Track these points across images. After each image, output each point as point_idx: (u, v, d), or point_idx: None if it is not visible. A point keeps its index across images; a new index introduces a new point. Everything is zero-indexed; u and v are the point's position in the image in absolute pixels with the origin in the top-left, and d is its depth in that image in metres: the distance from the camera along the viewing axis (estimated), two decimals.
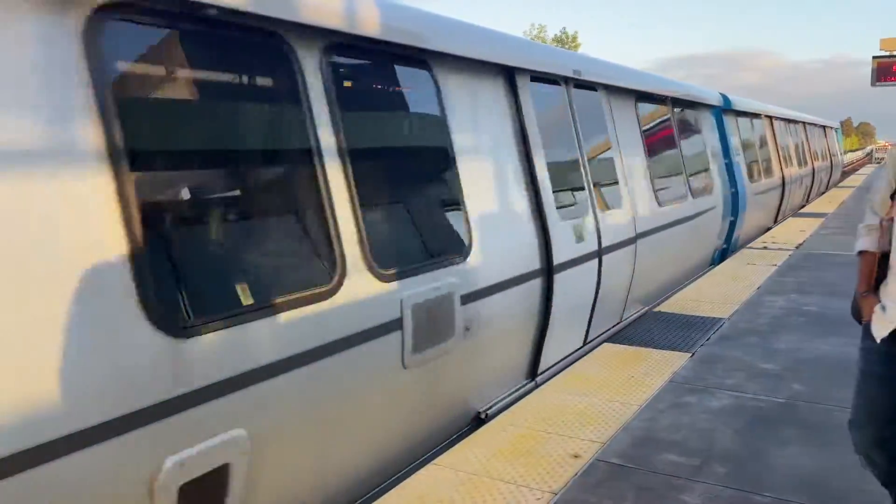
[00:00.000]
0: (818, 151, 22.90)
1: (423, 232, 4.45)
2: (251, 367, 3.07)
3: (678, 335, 6.46)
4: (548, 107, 6.13)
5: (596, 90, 6.97)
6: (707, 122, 10.59)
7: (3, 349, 2.29)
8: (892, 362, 2.74)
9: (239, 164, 3.46)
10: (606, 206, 6.70)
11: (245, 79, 3.55)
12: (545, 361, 5.76)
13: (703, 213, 9.66)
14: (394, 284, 3.92)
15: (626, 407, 4.68)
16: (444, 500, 3.47)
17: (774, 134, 15.39)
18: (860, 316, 2.94)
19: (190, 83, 3.29)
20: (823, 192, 23.46)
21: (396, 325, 3.93)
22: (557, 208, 5.75)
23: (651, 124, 8.59)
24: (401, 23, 4.28)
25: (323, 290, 3.48)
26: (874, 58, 19.73)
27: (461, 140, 4.76)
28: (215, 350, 2.92)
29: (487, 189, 4.98)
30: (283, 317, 3.24)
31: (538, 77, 5.90)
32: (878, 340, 2.73)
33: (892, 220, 2.78)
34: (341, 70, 3.88)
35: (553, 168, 5.86)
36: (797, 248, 11.44)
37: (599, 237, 6.38)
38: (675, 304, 7.71)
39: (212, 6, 3.04)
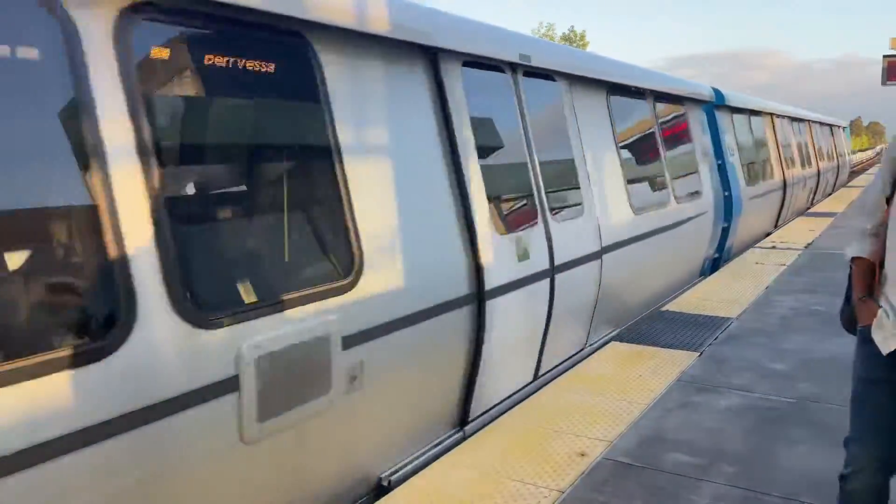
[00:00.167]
0: (824, 151, 21.68)
1: (279, 255, 3.39)
2: None
3: (686, 334, 6.33)
4: (487, 98, 5.08)
5: (554, 80, 5.91)
6: (696, 118, 9.49)
7: None
8: (893, 370, 2.55)
9: None
10: (562, 216, 5.65)
11: None
12: (478, 405, 4.72)
13: (689, 220, 8.57)
14: (223, 331, 2.87)
15: (634, 406, 4.61)
16: (453, 497, 3.43)
17: (775, 133, 14.24)
18: (850, 324, 2.82)
19: None
20: (830, 194, 22.29)
21: (227, 386, 2.88)
22: (494, 220, 4.70)
23: (627, 121, 7.52)
24: None
25: (94, 347, 2.44)
26: (884, 56, 18.68)
27: (351, 136, 3.71)
28: None
29: (390, 198, 3.93)
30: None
31: (474, 62, 4.84)
32: (886, 354, 2.54)
33: (886, 225, 2.62)
34: (148, 40, 2.82)
35: (490, 172, 4.80)
36: (806, 247, 11.08)
37: (551, 253, 5.32)
38: (682, 304, 7.50)
39: None
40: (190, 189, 3.13)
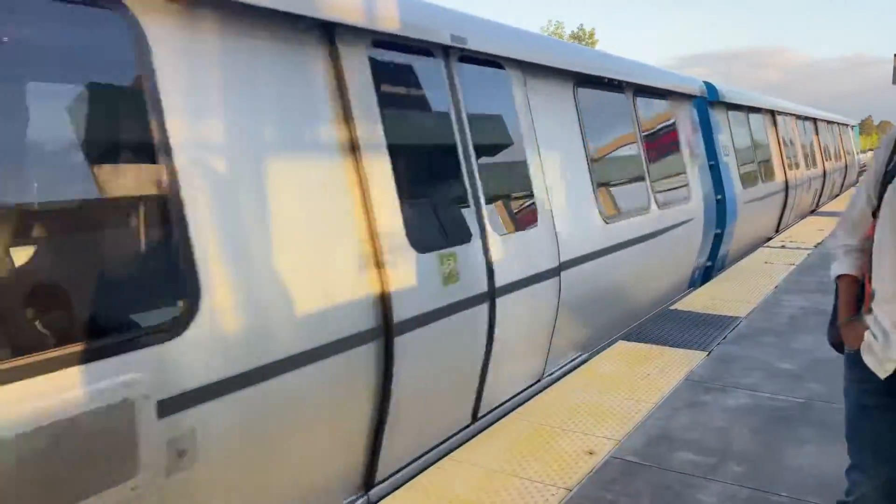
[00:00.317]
0: (831, 151, 20.59)
1: (59, 289, 2.48)
2: None
3: (694, 333, 6.24)
4: (407, 86, 4.17)
5: (503, 68, 4.99)
6: (685, 115, 8.53)
7: None
8: (893, 390, 2.34)
9: None
10: (508, 228, 4.73)
11: None
12: (388, 463, 3.82)
13: (674, 228, 7.63)
14: None
15: (642, 405, 4.57)
16: (460, 495, 3.39)
17: (777, 131, 13.23)
18: (838, 345, 2.63)
19: None
20: (837, 195, 21.20)
21: None
22: (408, 235, 3.80)
23: (599, 117, 6.59)
24: None
25: None
26: None
27: (187, 129, 2.81)
28: None
29: (249, 208, 3.03)
30: None
31: (388, 43, 3.94)
32: (883, 378, 2.34)
33: (871, 239, 2.41)
34: None
35: (407, 175, 3.90)
36: (816, 246, 10.86)
37: (491, 273, 4.41)
38: (690, 303, 7.39)
39: None
40: None
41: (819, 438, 4.00)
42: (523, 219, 4.95)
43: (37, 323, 2.38)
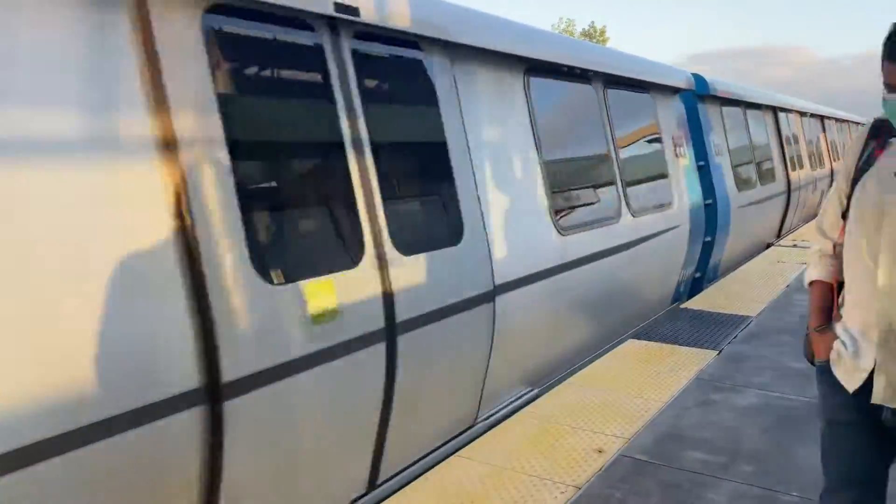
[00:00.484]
0: (840, 150, 19.45)
1: None
2: None
3: (705, 332, 6.15)
4: (271, 65, 3.22)
5: (420, 48, 4.02)
6: (668, 110, 7.51)
7: None
8: (862, 412, 2.11)
9: None
10: (416, 247, 3.77)
11: None
12: None
13: (652, 237, 6.63)
14: None
15: (651, 403, 4.50)
16: (469, 491, 3.36)
17: (779, 129, 12.15)
18: (811, 355, 2.39)
19: None
20: None
21: None
22: (259, 259, 2.85)
23: (558, 111, 5.61)
24: None
25: None
26: None
27: None
28: None
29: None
30: None
31: (235, 10, 2.99)
32: (851, 392, 2.13)
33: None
34: None
35: (260, 178, 2.96)
36: None
37: (389, 305, 3.45)
38: (701, 302, 7.27)
39: None
40: None
41: None
42: (442, 233, 3.99)
43: None
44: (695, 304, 7.16)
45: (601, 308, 5.82)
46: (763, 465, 3.65)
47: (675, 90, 7.77)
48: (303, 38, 3.29)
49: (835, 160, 17.77)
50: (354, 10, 3.43)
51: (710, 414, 4.32)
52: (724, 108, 9.41)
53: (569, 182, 5.54)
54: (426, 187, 4.06)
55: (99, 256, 2.36)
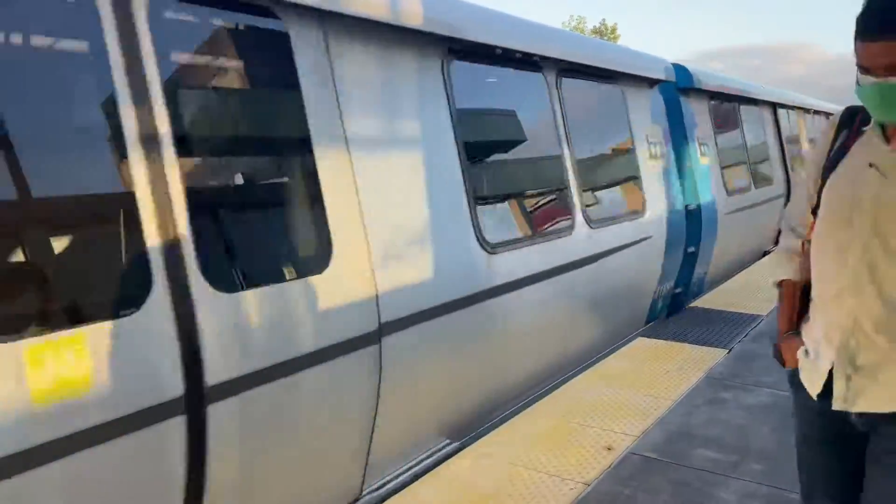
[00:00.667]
0: None
1: None
2: None
3: (714, 331, 6.03)
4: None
5: (276, 16, 3.03)
6: (641, 104, 6.47)
7: None
8: (831, 422, 1.97)
9: None
10: (253, 277, 2.79)
11: None
12: None
13: (616, 251, 5.62)
14: None
15: (661, 401, 4.41)
16: (479, 486, 3.36)
17: (779, 127, 11.04)
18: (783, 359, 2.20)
19: None
20: None
21: None
22: None
23: (492, 104, 4.63)
24: None
25: None
26: None
27: None
28: None
29: None
30: None
31: None
32: (815, 397, 1.98)
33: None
34: None
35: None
36: None
37: (192, 361, 2.48)
38: (711, 301, 7.15)
39: None
40: None
41: None
42: (293, 257, 3.02)
43: None
44: (704, 303, 7.03)
45: (546, 338, 4.82)
46: (772, 464, 3.53)
47: (652, 82, 6.74)
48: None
49: None
50: None
51: (720, 412, 4.24)
52: (714, 104, 8.35)
53: (502, 188, 4.56)
54: (271, 196, 3.08)
55: None
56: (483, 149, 4.45)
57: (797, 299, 2.16)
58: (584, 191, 5.30)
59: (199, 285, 2.51)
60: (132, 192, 2.37)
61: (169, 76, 2.56)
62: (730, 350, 5.46)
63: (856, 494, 2.02)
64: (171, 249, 2.45)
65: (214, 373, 2.53)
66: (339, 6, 3.24)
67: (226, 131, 3.08)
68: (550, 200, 5.01)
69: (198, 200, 2.57)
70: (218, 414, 2.55)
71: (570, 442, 3.88)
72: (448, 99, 4.03)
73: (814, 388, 1.98)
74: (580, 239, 5.12)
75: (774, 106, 10.93)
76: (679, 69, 7.44)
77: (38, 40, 2.34)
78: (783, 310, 2.20)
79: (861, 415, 1.89)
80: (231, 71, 3.18)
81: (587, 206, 5.29)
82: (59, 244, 2.49)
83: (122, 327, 2.28)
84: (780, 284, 2.22)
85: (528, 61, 4.83)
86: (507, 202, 4.57)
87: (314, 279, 2.98)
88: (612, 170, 5.97)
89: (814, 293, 2.04)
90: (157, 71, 2.49)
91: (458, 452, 3.84)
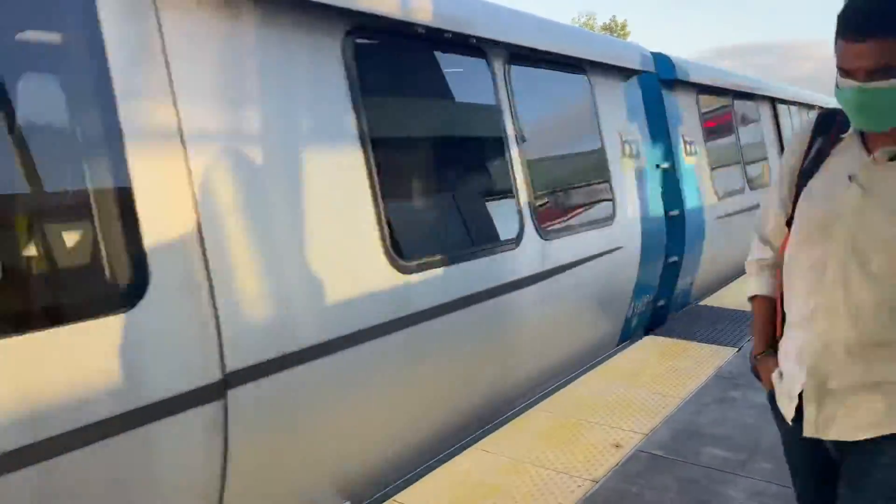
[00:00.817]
0: None
1: None
2: None
3: (723, 329, 5.85)
4: None
5: None
6: (613, 97, 5.66)
7: None
8: (813, 448, 1.85)
9: None
10: (27, 322, 2.04)
11: None
12: None
13: (576, 265, 4.83)
14: None
15: (669, 399, 4.34)
16: (486, 483, 3.31)
17: (778, 124, 10.17)
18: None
19: None
20: None
21: None
22: None
23: (410, 93, 3.86)
24: None
25: None
26: None
27: None
28: None
29: None
30: None
31: None
32: (790, 422, 1.86)
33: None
34: None
35: None
36: None
37: None
38: (720, 299, 7.01)
39: None
40: None
41: None
42: (85, 291, 2.25)
43: None
44: (713, 301, 6.91)
45: (478, 374, 4.05)
46: (781, 463, 3.44)
47: (628, 73, 5.93)
48: None
49: None
50: None
51: (729, 410, 4.17)
52: (703, 98, 7.52)
53: (427, 194, 3.78)
54: (52, 205, 2.31)
55: None
56: (403, 147, 3.69)
57: (771, 317, 1.98)
58: (537, 196, 4.52)
59: None
60: None
61: None
62: (739, 348, 5.36)
63: None
64: None
65: None
66: None
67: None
68: (490, 208, 4.24)
69: None
70: None
71: (577, 439, 3.80)
72: (350, 86, 3.25)
73: (788, 412, 1.85)
74: (529, 252, 4.34)
75: (774, 101, 10.06)
76: (661, 59, 6.62)
77: None
78: (756, 328, 2.03)
79: (835, 442, 1.78)
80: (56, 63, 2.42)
81: (539, 214, 4.51)
82: None
83: None
84: (752, 299, 2.06)
85: (464, 44, 4.05)
86: (433, 210, 3.80)
87: (118, 319, 2.22)
88: (574, 171, 5.19)
89: (786, 311, 1.88)
90: None
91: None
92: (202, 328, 2.46)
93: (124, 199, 2.29)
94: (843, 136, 1.77)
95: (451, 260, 3.68)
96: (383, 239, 3.27)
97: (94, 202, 2.25)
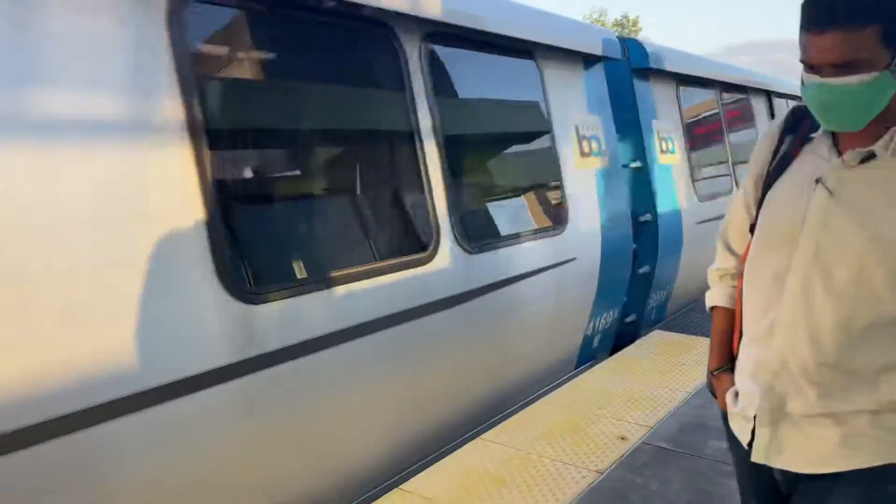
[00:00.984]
0: None
1: None
2: None
3: None
4: None
5: None
6: (565, 87, 4.84)
7: None
8: (758, 475, 1.69)
9: None
10: None
11: None
12: None
13: (511, 282, 4.07)
14: None
15: (675, 393, 4.28)
16: (492, 474, 3.29)
17: (774, 118, 9.29)
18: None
19: None
20: None
21: None
22: None
23: (278, 75, 3.10)
24: None
25: None
26: None
27: None
28: None
29: None
30: None
31: None
32: (745, 445, 1.69)
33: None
34: None
35: None
36: None
37: None
38: None
39: None
40: None
41: None
42: None
43: None
44: None
45: (371, 421, 3.28)
46: None
47: (590, 59, 5.13)
48: None
49: None
50: None
51: None
52: (685, 90, 6.69)
53: (296, 198, 3.02)
54: None
55: None
56: (263, 139, 2.93)
57: (731, 329, 1.81)
58: (460, 200, 3.75)
59: None
60: None
61: None
62: None
63: None
64: None
65: None
66: None
67: None
68: (391, 217, 3.47)
69: None
70: None
71: (583, 431, 3.78)
72: (176, 63, 2.50)
73: (743, 436, 1.68)
74: (446, 268, 3.58)
75: (769, 95, 9.20)
76: (633, 46, 5.82)
77: None
78: (713, 342, 1.88)
79: (784, 472, 1.61)
80: None
81: (463, 221, 3.73)
82: None
83: None
84: (712, 310, 1.91)
85: (360, 16, 3.28)
86: (306, 220, 3.05)
87: None
88: (515, 171, 4.42)
89: (745, 325, 1.72)
90: None
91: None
92: None
93: None
94: (812, 135, 1.61)
95: (323, 282, 2.92)
96: (217, 257, 2.51)
97: None
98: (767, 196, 1.67)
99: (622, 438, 3.69)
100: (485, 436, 3.70)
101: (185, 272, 2.41)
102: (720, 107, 7.52)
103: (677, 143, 6.39)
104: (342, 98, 3.32)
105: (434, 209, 3.54)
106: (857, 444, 1.51)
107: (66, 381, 2.05)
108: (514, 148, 4.52)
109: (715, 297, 1.89)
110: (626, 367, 4.75)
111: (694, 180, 6.61)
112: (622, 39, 5.64)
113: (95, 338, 2.16)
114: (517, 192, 4.41)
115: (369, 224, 3.51)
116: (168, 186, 2.41)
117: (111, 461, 2.18)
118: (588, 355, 5.27)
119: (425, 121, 3.57)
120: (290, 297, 2.75)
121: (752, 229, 1.72)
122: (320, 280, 2.90)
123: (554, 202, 4.59)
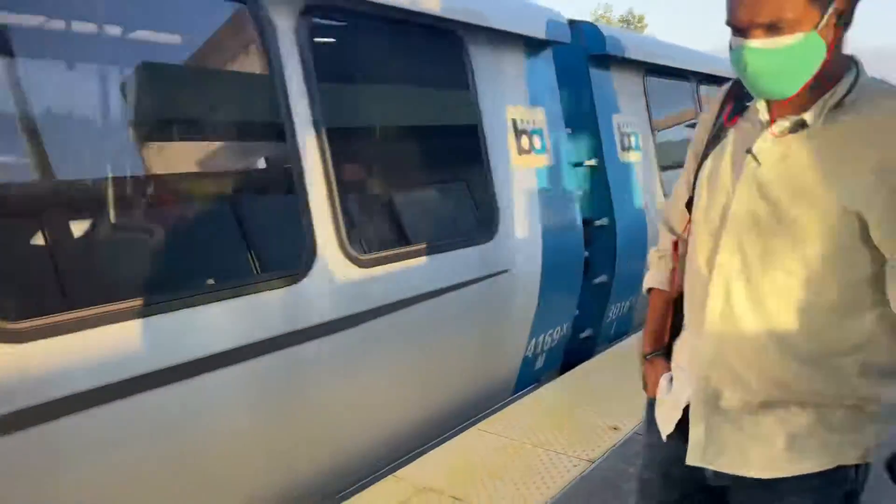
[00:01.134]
0: None
1: None
2: None
3: None
4: None
5: None
6: (500, 73, 4.20)
7: None
8: (683, 475, 1.54)
9: None
10: None
11: None
12: None
13: (419, 301, 3.45)
14: None
15: None
16: (486, 463, 3.31)
17: None
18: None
19: None
20: None
21: None
22: None
23: (86, 54, 2.50)
24: None
25: None
26: None
27: None
28: None
29: None
30: None
31: None
32: (665, 437, 1.59)
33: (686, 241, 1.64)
34: None
35: None
36: None
37: None
38: None
39: None
40: None
41: None
42: None
43: None
44: None
45: (227, 475, 2.67)
46: None
47: (537, 44, 4.49)
48: None
49: None
50: None
51: None
52: (653, 81, 6.03)
53: (107, 200, 2.42)
54: None
55: None
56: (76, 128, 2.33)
57: (667, 313, 1.73)
58: (350, 203, 3.14)
59: None
60: None
61: None
62: None
63: None
64: None
65: None
66: None
67: None
68: (253, 223, 2.86)
69: None
70: None
71: (576, 421, 3.78)
72: None
73: (666, 426, 1.58)
74: (327, 285, 2.96)
75: None
76: (589, 30, 5.17)
77: None
78: (648, 324, 1.79)
79: (719, 474, 1.48)
80: None
81: (353, 228, 3.12)
82: None
83: None
84: (649, 292, 1.80)
85: None
86: (104, 232, 2.44)
87: None
88: (427, 170, 3.80)
89: (685, 306, 1.62)
90: None
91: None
92: None
93: None
94: (748, 103, 1.50)
95: (150, 307, 2.31)
96: None
97: None
98: (700, 169, 1.56)
99: (614, 429, 3.72)
100: (479, 425, 3.73)
101: None
102: (697, 100, 6.85)
103: (643, 139, 5.74)
104: (183, 79, 2.71)
105: (310, 216, 2.93)
106: (804, 447, 1.42)
107: None
108: (428, 143, 3.90)
109: (652, 279, 1.78)
110: (619, 360, 4.74)
111: (662, 179, 5.96)
112: (575, 23, 4.99)
113: None
114: (428, 194, 3.80)
115: (236, 239, 2.91)
116: None
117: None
118: (529, 378, 4.64)
119: (301, 109, 2.95)
120: (104, 324, 2.14)
121: (689, 206, 1.59)
122: (146, 306, 2.29)
123: (481, 205, 3.96)
